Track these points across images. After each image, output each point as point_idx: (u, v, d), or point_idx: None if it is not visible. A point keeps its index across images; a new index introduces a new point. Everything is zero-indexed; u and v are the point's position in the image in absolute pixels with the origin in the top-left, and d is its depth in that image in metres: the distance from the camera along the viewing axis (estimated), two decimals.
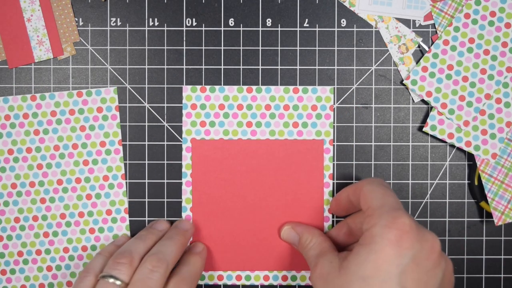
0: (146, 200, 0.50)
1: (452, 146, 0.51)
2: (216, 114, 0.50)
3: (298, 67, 0.50)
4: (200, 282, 0.50)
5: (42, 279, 0.50)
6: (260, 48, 0.50)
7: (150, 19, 0.50)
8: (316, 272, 0.40)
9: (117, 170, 0.50)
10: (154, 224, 0.49)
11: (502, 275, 0.51)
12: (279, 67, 0.50)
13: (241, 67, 0.50)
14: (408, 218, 0.37)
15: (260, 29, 0.50)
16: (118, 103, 0.50)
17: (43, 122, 0.49)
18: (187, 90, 0.50)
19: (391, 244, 0.36)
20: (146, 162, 0.50)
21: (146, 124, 0.50)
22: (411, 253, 0.36)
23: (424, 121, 0.50)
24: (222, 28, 0.50)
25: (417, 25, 0.51)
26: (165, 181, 0.50)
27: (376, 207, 0.39)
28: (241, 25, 0.50)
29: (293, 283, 0.50)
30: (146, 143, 0.50)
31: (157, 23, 0.50)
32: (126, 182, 0.50)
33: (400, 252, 0.36)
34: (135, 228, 0.50)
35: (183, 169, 0.50)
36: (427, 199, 0.51)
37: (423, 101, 0.51)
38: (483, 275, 0.51)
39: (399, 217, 0.37)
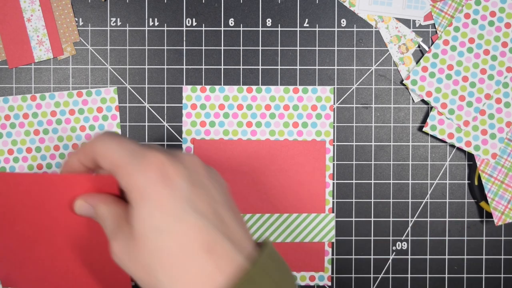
0: None
1: (452, 146, 0.49)
2: (216, 114, 0.49)
3: (298, 67, 0.49)
4: None
5: None
6: (260, 48, 0.49)
7: (150, 19, 0.49)
8: (115, 247, 0.34)
9: None
10: None
11: (502, 275, 0.49)
12: (279, 67, 0.49)
13: (241, 67, 0.49)
14: (155, 150, 0.33)
15: (260, 29, 0.49)
16: (118, 103, 0.49)
17: (43, 122, 0.48)
18: (187, 90, 0.49)
19: (160, 183, 0.32)
20: None
21: (146, 124, 0.49)
22: (182, 179, 0.33)
23: (424, 121, 0.49)
24: (222, 28, 0.49)
25: (417, 25, 0.49)
26: None
27: (122, 161, 0.33)
28: (241, 25, 0.49)
29: None
30: (146, 143, 0.49)
31: (157, 23, 0.49)
32: None
33: (173, 185, 0.32)
34: None
35: None
36: (427, 199, 0.49)
37: (423, 101, 0.49)
38: (483, 275, 0.49)
39: (147, 156, 0.33)
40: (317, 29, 0.49)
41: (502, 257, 0.49)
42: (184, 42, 0.49)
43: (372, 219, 0.49)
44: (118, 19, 0.49)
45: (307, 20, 0.49)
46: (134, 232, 0.33)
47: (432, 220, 0.49)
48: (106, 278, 0.45)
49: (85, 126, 0.48)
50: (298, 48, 0.49)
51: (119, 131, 0.48)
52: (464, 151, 0.49)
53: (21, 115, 0.48)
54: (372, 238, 0.49)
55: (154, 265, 0.32)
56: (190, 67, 0.49)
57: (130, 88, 0.49)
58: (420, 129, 0.49)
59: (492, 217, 0.49)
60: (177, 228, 0.32)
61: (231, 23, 0.49)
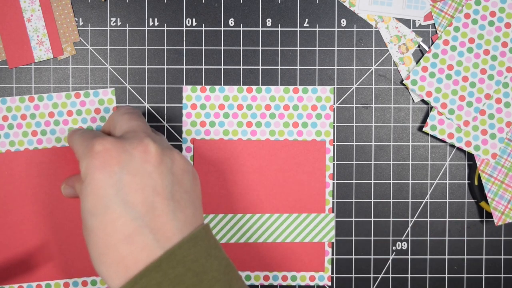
0: None
1: (452, 146, 0.49)
2: (216, 114, 0.48)
3: (298, 67, 0.49)
4: None
5: None
6: (260, 48, 0.49)
7: (150, 19, 0.48)
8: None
9: None
10: None
11: (502, 275, 0.49)
12: (279, 67, 0.49)
13: (241, 67, 0.49)
14: (105, 139, 0.36)
15: (260, 29, 0.49)
16: (116, 104, 0.48)
17: (41, 123, 0.47)
18: (187, 90, 0.48)
19: (98, 169, 0.34)
20: None
21: None
22: (121, 167, 0.34)
23: (424, 121, 0.49)
24: (222, 28, 0.49)
25: (417, 25, 0.49)
26: None
27: (77, 150, 0.38)
28: (241, 25, 0.49)
29: (293, 283, 0.48)
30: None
31: (157, 23, 0.48)
32: None
33: (109, 172, 0.34)
34: None
35: None
36: (427, 199, 0.49)
37: (423, 101, 0.49)
38: (483, 275, 0.49)
39: (95, 143, 0.35)
40: (317, 29, 0.48)
41: (502, 257, 0.49)
42: (184, 42, 0.48)
43: (372, 219, 0.48)
44: (118, 19, 0.48)
45: (307, 20, 0.48)
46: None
47: (432, 220, 0.49)
48: None
49: (83, 127, 0.47)
50: (298, 48, 0.48)
51: None
52: (464, 151, 0.49)
53: (19, 116, 0.47)
54: (372, 238, 0.48)
55: (88, 240, 0.35)
56: (190, 67, 0.48)
57: (130, 88, 0.48)
58: (420, 129, 0.49)
59: (492, 217, 0.49)
60: (104, 215, 0.34)
61: (231, 23, 0.48)
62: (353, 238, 0.48)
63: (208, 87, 0.48)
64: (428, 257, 0.49)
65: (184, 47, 0.48)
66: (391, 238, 0.49)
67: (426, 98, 0.48)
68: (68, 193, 0.44)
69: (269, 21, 0.48)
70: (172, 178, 0.36)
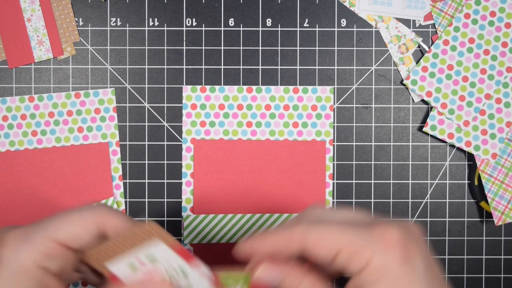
0: (146, 200, 0.48)
1: (452, 146, 0.48)
2: (216, 114, 0.48)
3: (298, 67, 0.48)
4: None
5: None
6: (260, 48, 0.48)
7: (150, 19, 0.48)
8: None
9: (115, 171, 0.47)
10: None
11: (502, 275, 0.48)
12: (279, 67, 0.48)
13: (241, 67, 0.48)
14: (389, 224, 0.30)
15: (260, 29, 0.48)
16: (116, 104, 0.47)
17: (41, 123, 0.47)
18: (187, 90, 0.48)
19: (401, 262, 0.29)
20: (146, 162, 0.48)
21: (146, 124, 0.48)
22: (421, 259, 0.30)
23: (424, 121, 0.48)
24: (222, 28, 0.48)
25: (417, 25, 0.48)
26: (165, 181, 0.48)
27: (351, 242, 0.30)
28: (241, 25, 0.48)
29: None
30: (146, 143, 0.48)
31: (157, 23, 0.48)
32: (124, 183, 0.47)
33: (413, 265, 0.30)
34: None
35: (183, 169, 0.47)
36: (427, 199, 0.48)
37: (423, 101, 0.48)
38: (483, 275, 0.48)
39: (384, 231, 0.30)
40: (317, 29, 0.48)
41: (502, 257, 0.48)
42: (184, 42, 0.48)
43: None
44: (118, 19, 0.48)
45: (307, 20, 0.48)
46: None
47: (432, 220, 0.48)
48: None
49: (83, 127, 0.47)
50: (298, 48, 0.48)
51: (116, 132, 0.47)
52: (464, 151, 0.48)
53: (19, 116, 0.46)
54: None
55: None
56: (190, 67, 0.48)
57: (130, 88, 0.48)
58: (420, 129, 0.48)
59: (492, 217, 0.48)
60: None
61: (231, 23, 0.48)
62: None
63: (208, 87, 0.47)
64: None
65: (184, 47, 0.48)
66: None
67: (426, 98, 0.47)
68: (268, 279, 0.33)
69: (269, 21, 0.48)
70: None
